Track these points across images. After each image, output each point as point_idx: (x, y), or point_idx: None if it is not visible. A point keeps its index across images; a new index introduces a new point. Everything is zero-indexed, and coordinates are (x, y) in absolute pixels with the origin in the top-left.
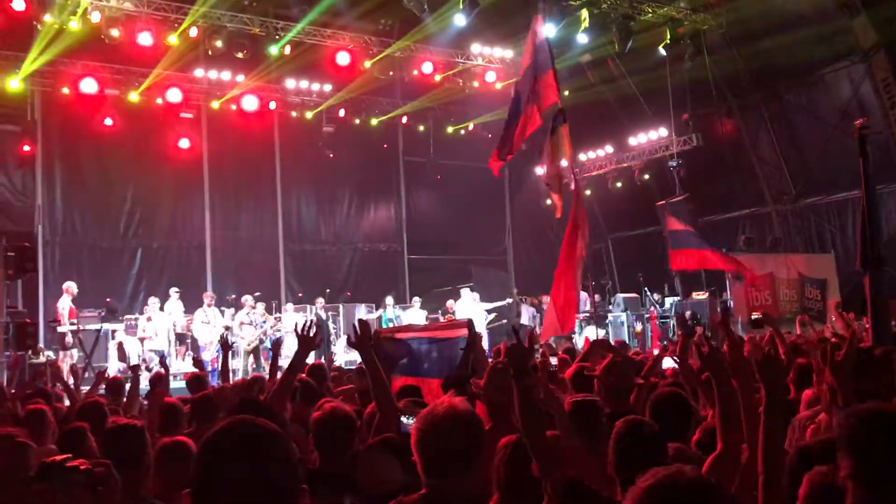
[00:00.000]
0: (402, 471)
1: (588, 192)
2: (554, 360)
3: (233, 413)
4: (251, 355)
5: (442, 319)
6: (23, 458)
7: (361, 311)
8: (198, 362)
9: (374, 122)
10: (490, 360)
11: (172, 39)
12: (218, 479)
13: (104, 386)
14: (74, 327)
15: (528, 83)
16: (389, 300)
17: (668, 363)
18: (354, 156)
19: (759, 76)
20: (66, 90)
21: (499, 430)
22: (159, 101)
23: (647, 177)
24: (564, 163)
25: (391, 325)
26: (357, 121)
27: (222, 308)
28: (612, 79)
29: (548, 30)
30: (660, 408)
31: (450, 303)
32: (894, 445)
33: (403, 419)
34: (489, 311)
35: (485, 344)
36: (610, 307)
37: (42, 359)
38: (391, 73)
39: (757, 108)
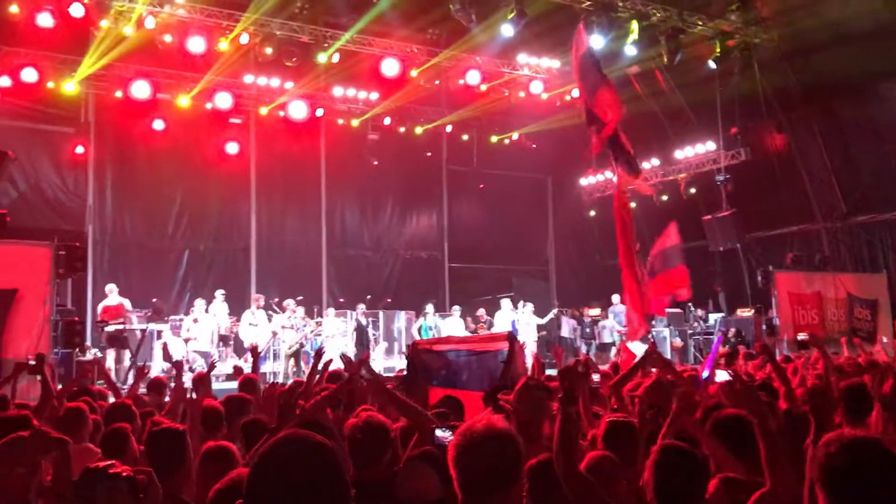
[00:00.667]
0: (441, 484)
1: (633, 205)
2: (596, 378)
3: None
4: (292, 359)
5: (473, 326)
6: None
7: (401, 318)
8: (238, 371)
9: (418, 130)
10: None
11: (223, 46)
12: (270, 491)
13: (146, 385)
14: (122, 326)
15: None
16: (429, 308)
17: (722, 376)
18: (398, 164)
19: (812, 90)
20: (118, 94)
21: (528, 448)
22: (209, 106)
23: (693, 190)
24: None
25: (431, 333)
26: (402, 129)
27: (270, 312)
28: (659, 91)
29: (595, 40)
30: (720, 430)
31: (480, 311)
32: (870, 480)
33: (438, 432)
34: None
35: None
36: (653, 322)
37: (89, 356)
38: (437, 82)
39: (808, 122)
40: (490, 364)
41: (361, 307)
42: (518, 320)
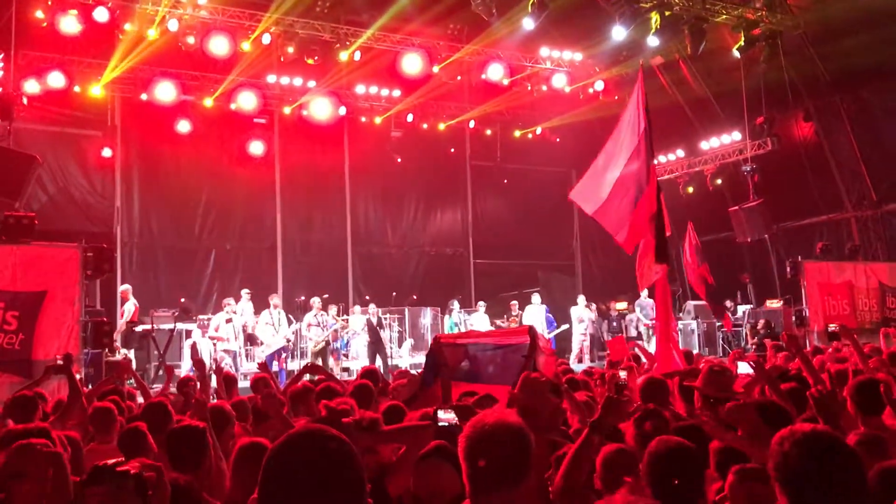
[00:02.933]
0: (459, 481)
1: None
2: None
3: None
4: (319, 357)
5: (506, 324)
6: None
7: (427, 315)
8: (263, 366)
9: (441, 126)
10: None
11: (246, 46)
12: (282, 487)
13: (174, 384)
14: (148, 326)
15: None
16: (455, 305)
17: (744, 369)
18: (422, 160)
19: (840, 77)
20: (144, 96)
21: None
22: (233, 106)
23: (719, 181)
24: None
25: (457, 329)
26: (425, 125)
27: (290, 316)
28: (684, 82)
29: (617, 32)
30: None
31: (513, 303)
32: (826, 475)
33: (441, 413)
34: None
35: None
36: (680, 314)
37: (118, 357)
38: (459, 77)
39: (836, 110)
40: (513, 358)
41: (373, 307)
42: (582, 317)
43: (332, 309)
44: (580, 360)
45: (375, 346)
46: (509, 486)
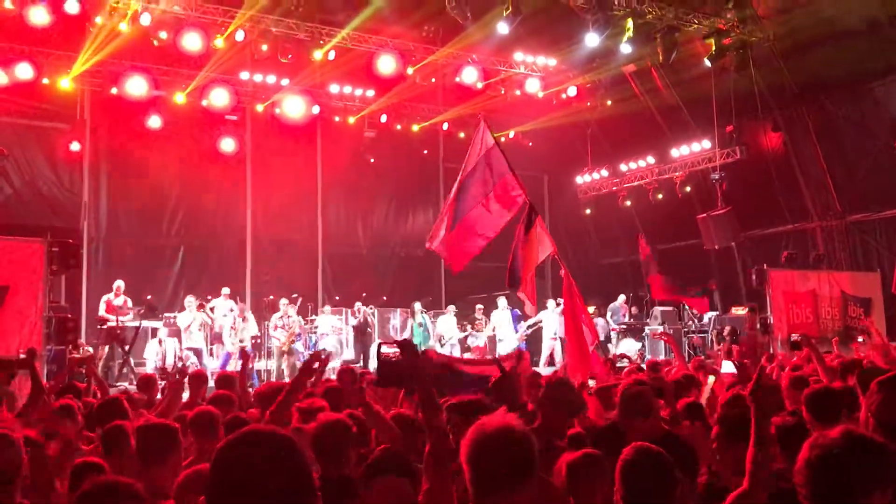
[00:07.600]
0: (413, 493)
1: (629, 203)
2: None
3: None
4: (284, 357)
5: (469, 329)
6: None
7: (397, 316)
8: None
9: (415, 128)
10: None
11: (219, 43)
12: (230, 487)
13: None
14: (114, 323)
15: (481, 185)
16: (417, 306)
17: (728, 367)
18: (395, 161)
19: (807, 89)
20: (114, 90)
21: None
22: (205, 102)
23: (688, 189)
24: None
25: (420, 330)
26: (398, 126)
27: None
28: (655, 89)
29: (591, 38)
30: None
31: (478, 307)
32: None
33: (384, 348)
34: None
35: None
36: (647, 320)
37: (82, 353)
38: (433, 79)
39: (803, 121)
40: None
41: (358, 305)
42: (543, 320)
43: (292, 309)
44: (550, 363)
45: (364, 344)
46: (509, 489)
